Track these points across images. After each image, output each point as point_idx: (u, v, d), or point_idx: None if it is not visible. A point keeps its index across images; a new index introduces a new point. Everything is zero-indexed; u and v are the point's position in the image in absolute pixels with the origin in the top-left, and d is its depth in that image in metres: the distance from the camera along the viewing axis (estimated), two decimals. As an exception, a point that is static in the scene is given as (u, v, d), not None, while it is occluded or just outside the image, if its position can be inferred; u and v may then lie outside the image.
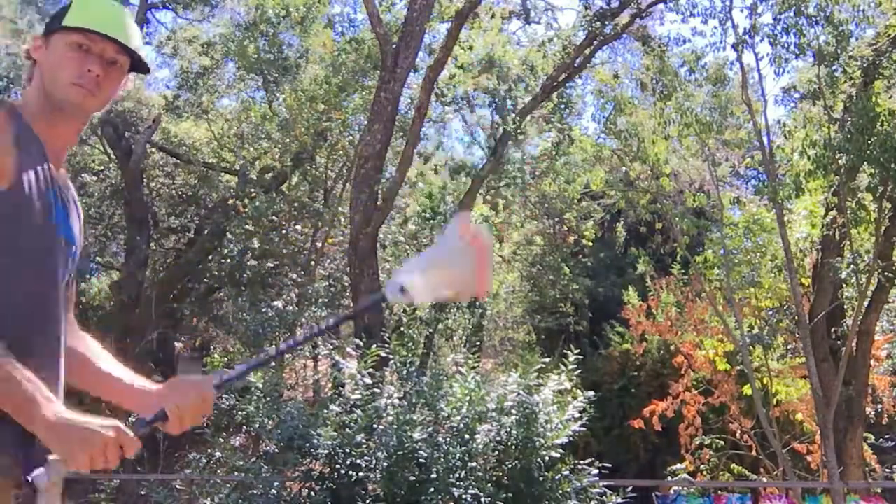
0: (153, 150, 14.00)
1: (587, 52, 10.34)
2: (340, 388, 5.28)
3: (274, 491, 4.70)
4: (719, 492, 8.25)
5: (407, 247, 12.63)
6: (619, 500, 4.91)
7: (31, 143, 1.42)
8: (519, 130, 10.91)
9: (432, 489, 4.39)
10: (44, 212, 1.40)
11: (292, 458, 4.75)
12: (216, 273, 13.07)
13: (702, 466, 9.79)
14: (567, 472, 4.83)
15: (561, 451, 4.84)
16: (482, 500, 4.41)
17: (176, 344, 14.22)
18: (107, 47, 1.48)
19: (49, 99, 1.47)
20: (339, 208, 12.25)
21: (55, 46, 1.48)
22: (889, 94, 8.28)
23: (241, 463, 4.98)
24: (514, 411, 4.88)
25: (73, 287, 1.56)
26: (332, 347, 5.93)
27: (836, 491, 7.21)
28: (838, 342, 8.98)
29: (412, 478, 4.49)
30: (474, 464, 4.64)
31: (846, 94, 8.29)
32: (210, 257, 13.03)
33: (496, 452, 4.80)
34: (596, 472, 4.93)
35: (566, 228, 15.46)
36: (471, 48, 11.46)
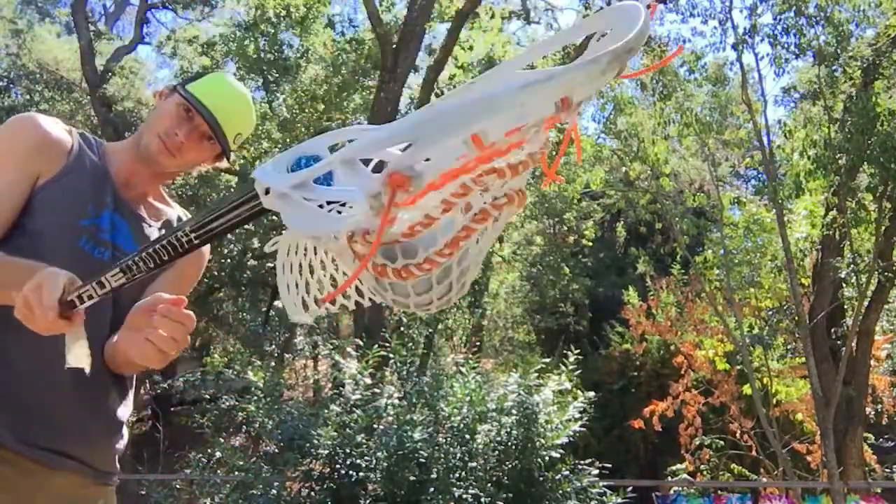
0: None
1: (587, 52, 10.33)
2: (340, 388, 5.28)
3: (274, 491, 4.70)
4: (719, 492, 8.23)
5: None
6: (619, 500, 4.91)
7: (95, 167, 1.54)
8: (519, 130, 10.89)
9: (432, 489, 4.39)
10: (73, 213, 1.49)
11: (292, 458, 4.75)
12: (216, 273, 13.07)
13: (702, 466, 9.77)
14: (567, 473, 4.83)
15: (561, 451, 4.84)
16: (482, 500, 4.41)
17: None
18: (204, 124, 1.56)
19: (140, 138, 1.59)
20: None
21: (170, 100, 1.59)
22: (889, 94, 8.27)
23: (241, 463, 4.98)
24: (514, 411, 4.88)
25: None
26: (332, 347, 5.92)
27: (836, 491, 7.20)
28: (838, 342, 8.98)
29: (412, 478, 4.49)
30: (474, 464, 4.64)
31: (846, 94, 8.28)
32: (210, 257, 13.02)
33: (496, 452, 4.80)
34: (596, 472, 4.93)
35: (566, 228, 15.46)
36: (471, 48, 11.45)
